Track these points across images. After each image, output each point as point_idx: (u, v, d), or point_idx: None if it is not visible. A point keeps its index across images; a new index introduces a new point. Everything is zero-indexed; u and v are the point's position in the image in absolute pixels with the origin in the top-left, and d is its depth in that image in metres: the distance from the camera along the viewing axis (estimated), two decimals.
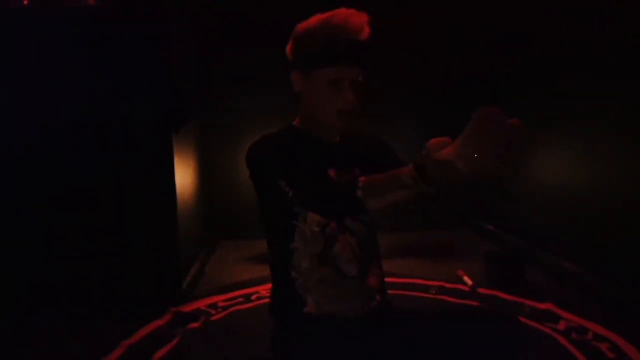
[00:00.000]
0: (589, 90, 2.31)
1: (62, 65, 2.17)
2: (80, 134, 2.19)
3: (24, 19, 2.17)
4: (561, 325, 1.98)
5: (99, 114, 2.20)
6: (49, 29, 2.16)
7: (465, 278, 2.51)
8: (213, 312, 2.22)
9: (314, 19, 1.19)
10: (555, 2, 2.57)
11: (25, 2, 2.17)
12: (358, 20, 1.15)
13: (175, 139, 2.30)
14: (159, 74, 2.21)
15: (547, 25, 2.66)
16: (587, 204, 2.35)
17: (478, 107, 0.86)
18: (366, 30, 1.16)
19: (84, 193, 2.22)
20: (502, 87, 3.17)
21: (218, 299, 2.37)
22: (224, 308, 2.26)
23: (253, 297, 2.36)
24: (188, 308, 2.24)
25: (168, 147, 2.25)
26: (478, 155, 0.85)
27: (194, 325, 2.04)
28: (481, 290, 2.39)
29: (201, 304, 2.31)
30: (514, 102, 3.00)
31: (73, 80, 2.18)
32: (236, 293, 2.44)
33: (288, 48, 1.24)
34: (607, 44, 2.19)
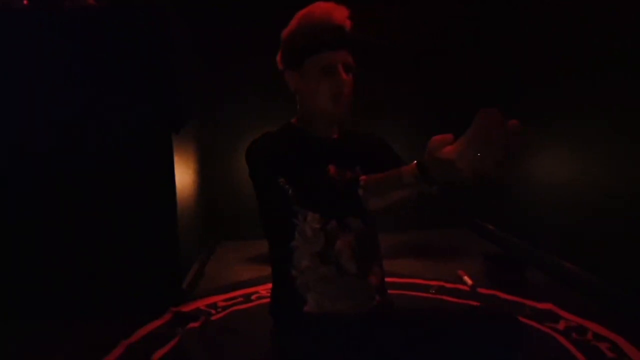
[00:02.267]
0: (590, 90, 2.31)
1: (62, 65, 2.17)
2: (80, 133, 2.19)
3: (24, 19, 2.17)
4: (561, 325, 1.98)
5: (99, 114, 2.20)
6: (49, 29, 2.16)
7: (465, 278, 2.51)
8: (213, 312, 2.22)
9: (295, 18, 1.21)
10: (554, 3, 2.57)
11: (25, 2, 2.17)
12: (339, 12, 1.18)
13: (175, 139, 2.30)
14: (159, 74, 2.21)
15: (547, 26, 2.66)
16: (587, 204, 2.35)
17: (480, 109, 0.86)
18: (348, 23, 1.18)
19: (84, 193, 2.22)
20: (501, 86, 3.17)
21: (218, 299, 2.37)
22: (224, 308, 2.26)
23: (253, 297, 2.36)
24: (188, 308, 2.24)
25: (168, 147, 2.25)
26: (479, 156, 0.85)
27: (194, 325, 2.04)
28: (481, 290, 2.39)
29: (201, 304, 2.31)
30: (514, 101, 3.00)
31: (73, 80, 2.18)
32: (236, 293, 2.44)
33: (278, 57, 1.26)
34: (606, 44, 2.19)
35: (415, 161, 0.95)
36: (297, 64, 1.21)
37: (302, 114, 1.28)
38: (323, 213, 1.19)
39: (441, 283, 2.50)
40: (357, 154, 1.29)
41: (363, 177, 1.04)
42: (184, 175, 2.55)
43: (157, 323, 2.08)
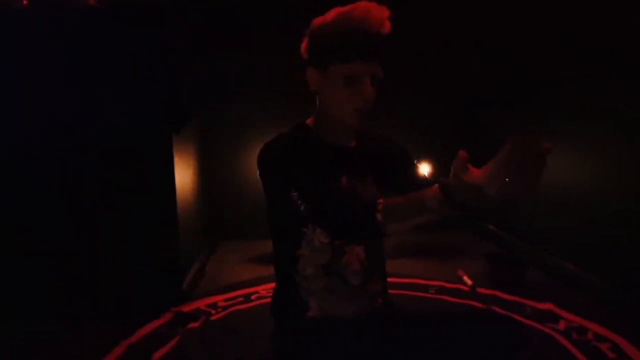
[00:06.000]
0: (591, 91, 2.31)
1: (62, 65, 2.17)
2: (80, 133, 2.19)
3: (24, 19, 2.17)
4: (561, 326, 1.98)
5: (98, 114, 2.19)
6: (49, 29, 2.16)
7: (466, 278, 2.51)
8: (213, 312, 2.22)
9: (332, 13, 1.13)
10: (556, 4, 2.57)
11: (25, 2, 2.17)
12: (379, 14, 1.10)
13: (175, 139, 2.30)
14: (159, 74, 2.20)
15: (549, 26, 2.66)
16: (588, 204, 2.35)
17: (514, 131, 0.81)
18: (387, 25, 1.11)
19: (84, 193, 2.21)
20: (503, 87, 3.16)
21: (218, 298, 2.37)
22: (224, 308, 2.26)
23: (253, 297, 2.36)
24: (188, 308, 2.24)
25: (168, 147, 2.24)
26: (511, 183, 0.81)
27: (194, 325, 2.04)
28: (481, 290, 2.39)
29: (201, 303, 2.31)
30: (516, 102, 3.00)
31: (73, 80, 2.18)
32: (236, 293, 2.43)
33: (303, 46, 1.19)
34: (608, 44, 2.19)
35: (438, 184, 0.91)
36: (323, 64, 1.14)
37: (320, 116, 1.23)
38: (335, 234, 1.15)
39: (441, 283, 2.50)
40: (373, 164, 1.25)
41: (381, 201, 0.99)
42: (184, 175, 2.55)
43: (157, 323, 2.08)
